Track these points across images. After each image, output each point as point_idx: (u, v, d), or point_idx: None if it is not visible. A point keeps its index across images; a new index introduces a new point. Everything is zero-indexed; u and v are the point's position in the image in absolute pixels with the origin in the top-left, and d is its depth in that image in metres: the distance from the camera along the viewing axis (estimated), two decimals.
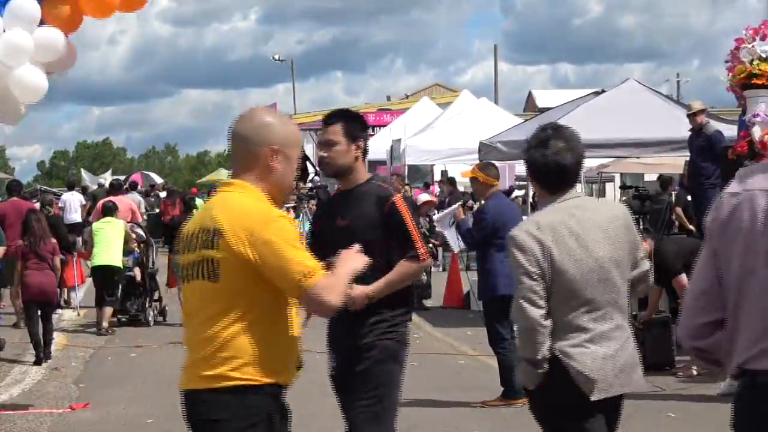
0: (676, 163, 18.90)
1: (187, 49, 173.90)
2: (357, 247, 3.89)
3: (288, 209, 31.95)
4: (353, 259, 3.76)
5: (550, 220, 4.29)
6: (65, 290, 16.22)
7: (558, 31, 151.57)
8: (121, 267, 14.35)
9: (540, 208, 4.47)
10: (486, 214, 9.42)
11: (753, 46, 9.06)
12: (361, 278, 4.62)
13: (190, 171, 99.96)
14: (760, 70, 8.97)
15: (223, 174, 52.34)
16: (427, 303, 16.71)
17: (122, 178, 33.80)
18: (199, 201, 31.61)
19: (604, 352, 4.25)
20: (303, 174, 33.80)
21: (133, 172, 50.84)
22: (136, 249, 15.01)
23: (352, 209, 5.31)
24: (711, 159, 11.89)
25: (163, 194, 31.66)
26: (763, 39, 9.08)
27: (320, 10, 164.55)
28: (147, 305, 15.01)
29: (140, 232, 15.64)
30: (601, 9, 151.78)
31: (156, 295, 15.30)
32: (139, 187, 30.92)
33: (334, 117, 5.42)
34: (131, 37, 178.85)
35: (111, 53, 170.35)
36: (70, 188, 26.05)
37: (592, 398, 4.19)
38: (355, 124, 5.40)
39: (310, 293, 3.47)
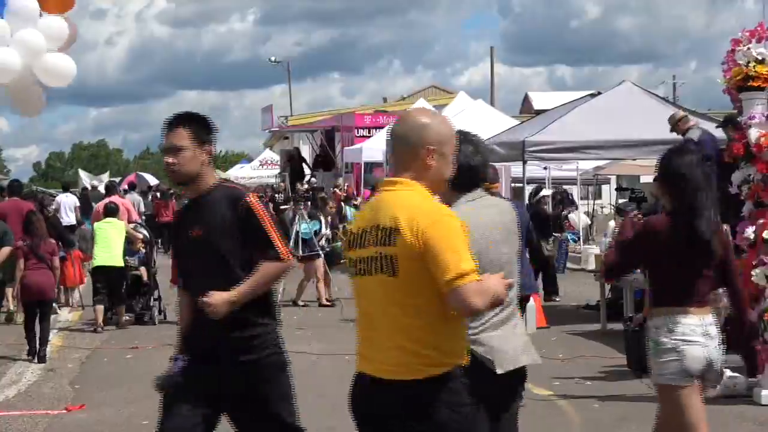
0: None
1: (185, 51, 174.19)
2: (500, 275, 3.82)
3: (283, 210, 32.01)
4: (498, 282, 3.77)
5: (459, 217, 4.47)
6: (63, 290, 16.26)
7: (555, 33, 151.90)
8: (123, 267, 14.48)
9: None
10: None
11: (749, 49, 9.06)
12: (222, 290, 4.75)
13: None
14: (756, 72, 8.97)
15: (218, 175, 52.24)
16: None
17: (117, 180, 33.83)
18: None
19: (503, 335, 4.57)
20: (299, 175, 33.92)
21: (129, 174, 50.83)
22: (141, 249, 15.16)
23: (204, 217, 4.98)
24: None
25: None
26: (759, 41, 9.09)
27: (318, 11, 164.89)
28: (150, 304, 15.19)
29: (144, 232, 15.78)
30: (599, 11, 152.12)
31: (156, 294, 15.41)
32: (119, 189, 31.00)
33: (179, 120, 5.06)
34: (129, 39, 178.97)
35: (108, 54, 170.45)
36: (65, 190, 26.31)
37: (499, 371, 4.49)
38: (202, 127, 5.07)
39: (458, 292, 3.61)
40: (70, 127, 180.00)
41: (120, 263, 14.44)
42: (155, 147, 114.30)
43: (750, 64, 8.98)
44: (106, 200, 16.78)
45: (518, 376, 4.77)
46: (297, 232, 16.74)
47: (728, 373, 9.26)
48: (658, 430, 5.65)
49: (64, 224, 20.27)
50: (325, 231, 16.94)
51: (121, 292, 14.59)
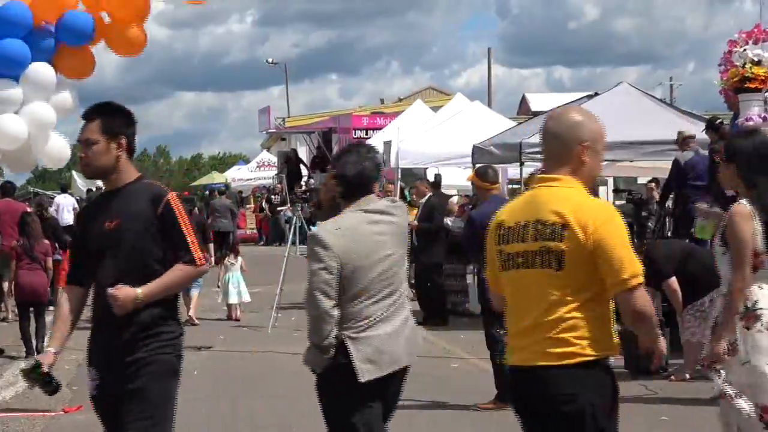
0: (669, 166, 18.93)
1: (183, 52, 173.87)
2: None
3: (279, 211, 31.96)
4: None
5: (349, 222, 4.92)
6: (60, 291, 16.31)
7: (553, 35, 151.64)
8: None
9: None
10: (474, 221, 9.43)
11: (745, 50, 9.08)
12: (132, 285, 4.64)
13: (185, 174, 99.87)
14: (752, 73, 8.99)
15: (216, 177, 52.26)
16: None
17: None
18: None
19: (387, 333, 4.89)
20: (296, 177, 33.91)
21: None
22: None
23: (122, 210, 4.79)
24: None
25: None
26: (756, 43, 9.11)
27: (316, 12, 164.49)
28: None
29: None
30: (597, 12, 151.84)
31: None
32: None
33: (92, 113, 4.90)
34: None
35: (106, 55, 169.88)
36: (63, 191, 26.80)
37: (369, 378, 4.81)
38: (116, 120, 4.88)
39: (630, 294, 3.81)
40: (68, 129, 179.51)
41: None
42: (152, 149, 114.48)
43: (747, 66, 9.00)
44: None
45: (397, 377, 5.08)
46: (295, 233, 16.75)
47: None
48: None
49: (63, 225, 20.37)
50: None
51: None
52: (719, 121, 12.60)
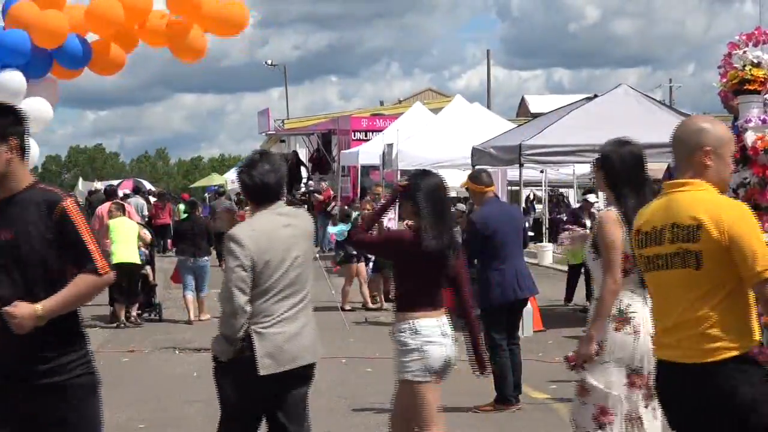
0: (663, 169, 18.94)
1: None
2: None
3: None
4: None
5: (263, 224, 5.29)
6: None
7: (554, 37, 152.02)
8: (139, 264, 15.10)
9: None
10: (475, 224, 9.43)
11: (745, 52, 9.07)
12: (30, 302, 4.28)
13: (184, 176, 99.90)
14: (752, 75, 8.97)
15: (215, 179, 52.31)
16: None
17: (116, 183, 33.97)
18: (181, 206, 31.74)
19: (290, 332, 5.24)
20: (296, 178, 33.92)
21: (125, 178, 50.80)
22: (143, 248, 15.59)
23: (15, 220, 4.40)
24: None
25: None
26: (756, 45, 9.09)
27: (317, 15, 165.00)
28: (153, 302, 16.02)
29: (148, 233, 16.24)
30: (597, 15, 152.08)
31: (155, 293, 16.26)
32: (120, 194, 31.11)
33: None
34: None
35: None
36: None
37: (266, 372, 5.15)
38: (2, 119, 4.46)
39: (765, 285, 4.00)
40: (68, 131, 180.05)
41: (137, 260, 15.01)
42: (152, 151, 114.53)
43: (746, 68, 8.99)
44: (108, 203, 16.99)
45: (296, 374, 5.34)
46: None
47: None
48: (393, 421, 6.20)
49: None
50: None
51: (137, 289, 15.30)
52: None
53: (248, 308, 5.16)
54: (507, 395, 9.08)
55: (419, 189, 6.04)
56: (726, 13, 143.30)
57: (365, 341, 13.15)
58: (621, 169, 5.63)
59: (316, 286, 17.00)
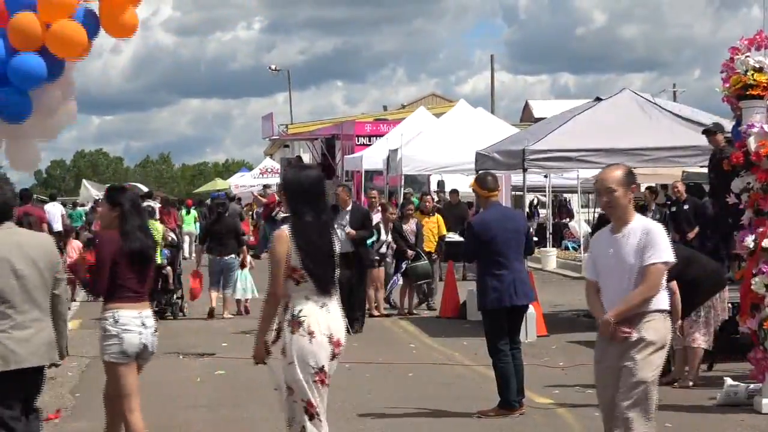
0: (672, 173, 18.97)
1: (189, 59, 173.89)
2: None
3: (283, 219, 31.82)
4: None
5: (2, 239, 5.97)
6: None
7: (560, 42, 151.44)
8: (159, 265, 15.55)
9: None
10: (473, 228, 9.44)
11: (746, 57, 9.07)
12: None
13: (189, 181, 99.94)
14: (755, 80, 8.97)
15: (219, 184, 52.31)
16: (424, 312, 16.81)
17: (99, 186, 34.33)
18: (193, 212, 31.75)
19: (21, 336, 5.89)
20: None
21: (127, 183, 50.83)
22: (164, 248, 16.39)
23: None
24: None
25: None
26: (758, 49, 9.09)
27: (323, 19, 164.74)
28: (173, 301, 16.78)
29: (173, 236, 17.45)
30: (604, 19, 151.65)
31: (180, 293, 16.97)
32: None
33: None
34: (134, 47, 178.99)
35: (113, 62, 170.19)
36: (53, 199, 27.73)
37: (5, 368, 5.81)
38: None
39: None
40: (73, 135, 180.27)
41: (158, 261, 15.48)
42: (156, 155, 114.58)
43: (749, 73, 8.98)
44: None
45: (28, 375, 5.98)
46: None
47: (729, 381, 9.27)
48: (106, 398, 7.21)
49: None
50: (385, 237, 16.71)
51: (155, 288, 15.71)
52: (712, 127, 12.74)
53: None
54: (510, 400, 9.07)
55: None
56: (733, 17, 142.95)
57: (369, 346, 13.15)
58: (300, 191, 6.24)
59: None
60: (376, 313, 16.28)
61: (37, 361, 5.98)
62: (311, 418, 6.10)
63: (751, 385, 9.15)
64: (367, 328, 14.67)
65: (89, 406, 9.82)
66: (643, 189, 23.28)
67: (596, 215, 24.55)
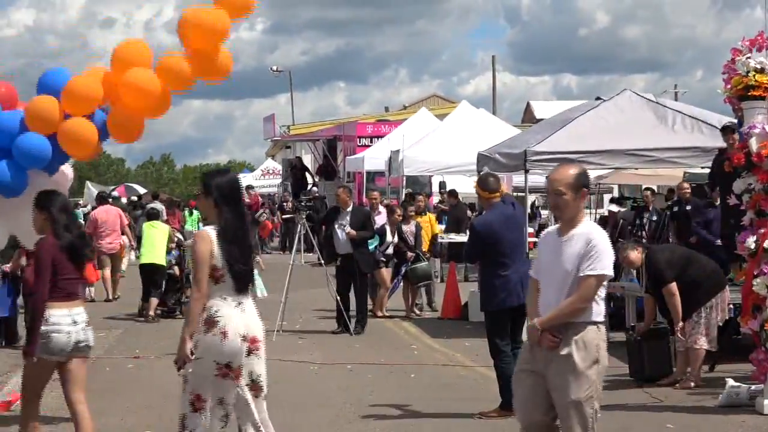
0: (674, 174, 18.94)
1: None
2: None
3: (285, 221, 31.88)
4: None
5: None
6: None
7: (562, 43, 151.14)
8: (165, 265, 16.47)
9: None
10: (476, 228, 9.43)
11: (748, 58, 9.07)
12: None
13: (191, 183, 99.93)
14: (756, 81, 8.97)
15: None
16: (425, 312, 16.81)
17: (110, 188, 34.36)
18: (196, 213, 31.77)
19: None
20: (301, 185, 33.89)
21: (130, 183, 50.90)
22: (173, 249, 16.98)
23: None
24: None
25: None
26: (759, 50, 9.09)
27: (326, 20, 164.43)
28: (182, 300, 16.74)
29: (180, 236, 17.94)
30: (606, 20, 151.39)
31: (189, 292, 16.79)
32: (122, 199, 31.44)
33: None
34: None
35: None
36: None
37: None
38: None
39: None
40: None
41: (163, 261, 16.41)
42: (158, 156, 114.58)
43: (750, 74, 8.98)
44: (99, 209, 19.71)
45: None
46: (300, 240, 16.82)
47: (730, 382, 9.27)
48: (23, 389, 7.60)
49: None
50: (391, 239, 16.69)
51: (159, 288, 16.48)
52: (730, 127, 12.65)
53: None
54: (512, 401, 9.05)
55: None
56: (736, 18, 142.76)
57: (370, 347, 13.16)
58: (222, 194, 6.47)
59: (319, 292, 16.99)
60: (379, 313, 16.28)
61: None
62: (194, 410, 6.38)
63: (753, 387, 9.15)
64: (369, 329, 14.67)
65: (90, 406, 9.83)
66: (644, 190, 23.31)
67: (597, 216, 24.55)
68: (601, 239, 5.93)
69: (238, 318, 6.37)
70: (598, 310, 5.97)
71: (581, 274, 5.86)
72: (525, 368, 6.11)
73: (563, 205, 5.95)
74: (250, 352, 6.42)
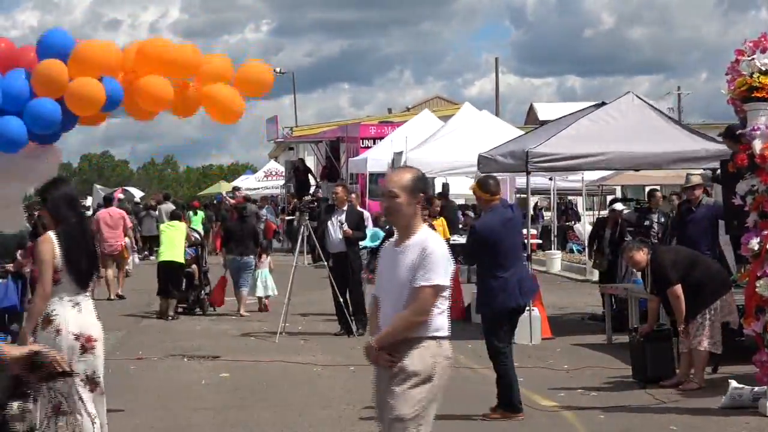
0: (676, 175, 18.93)
1: None
2: None
3: (289, 222, 31.87)
4: None
5: None
6: None
7: (566, 45, 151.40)
8: (183, 263, 16.98)
9: None
10: (475, 230, 9.43)
11: (752, 59, 9.06)
12: None
13: (194, 184, 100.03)
14: (760, 83, 8.96)
15: (224, 186, 52.34)
16: None
17: (109, 190, 34.49)
18: (200, 213, 31.82)
19: None
20: (304, 186, 33.90)
21: (132, 185, 50.95)
22: (188, 248, 17.38)
23: None
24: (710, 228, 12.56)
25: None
26: (763, 52, 9.08)
27: (331, 22, 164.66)
28: (201, 297, 17.49)
29: (196, 235, 18.45)
30: (611, 22, 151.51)
31: (207, 290, 17.65)
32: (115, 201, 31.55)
33: None
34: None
35: None
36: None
37: None
38: None
39: None
40: (78, 138, 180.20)
41: (181, 260, 16.91)
42: (160, 158, 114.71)
43: (754, 75, 8.97)
44: (103, 210, 20.38)
45: None
46: (303, 242, 16.82)
47: (733, 384, 9.26)
48: None
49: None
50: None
51: (179, 286, 16.99)
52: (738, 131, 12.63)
53: None
54: (515, 402, 9.07)
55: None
56: (741, 20, 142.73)
57: None
58: (65, 201, 7.03)
59: (322, 293, 16.96)
60: None
61: None
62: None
63: (756, 388, 9.13)
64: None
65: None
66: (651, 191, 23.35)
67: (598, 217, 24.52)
68: (438, 247, 5.40)
69: (73, 317, 6.87)
70: (439, 324, 5.43)
71: (415, 285, 5.33)
72: (375, 387, 5.67)
73: (396, 208, 5.47)
74: (85, 351, 6.86)
